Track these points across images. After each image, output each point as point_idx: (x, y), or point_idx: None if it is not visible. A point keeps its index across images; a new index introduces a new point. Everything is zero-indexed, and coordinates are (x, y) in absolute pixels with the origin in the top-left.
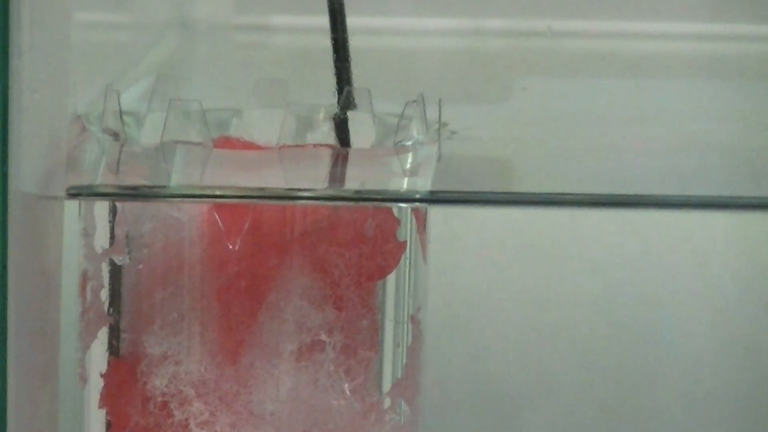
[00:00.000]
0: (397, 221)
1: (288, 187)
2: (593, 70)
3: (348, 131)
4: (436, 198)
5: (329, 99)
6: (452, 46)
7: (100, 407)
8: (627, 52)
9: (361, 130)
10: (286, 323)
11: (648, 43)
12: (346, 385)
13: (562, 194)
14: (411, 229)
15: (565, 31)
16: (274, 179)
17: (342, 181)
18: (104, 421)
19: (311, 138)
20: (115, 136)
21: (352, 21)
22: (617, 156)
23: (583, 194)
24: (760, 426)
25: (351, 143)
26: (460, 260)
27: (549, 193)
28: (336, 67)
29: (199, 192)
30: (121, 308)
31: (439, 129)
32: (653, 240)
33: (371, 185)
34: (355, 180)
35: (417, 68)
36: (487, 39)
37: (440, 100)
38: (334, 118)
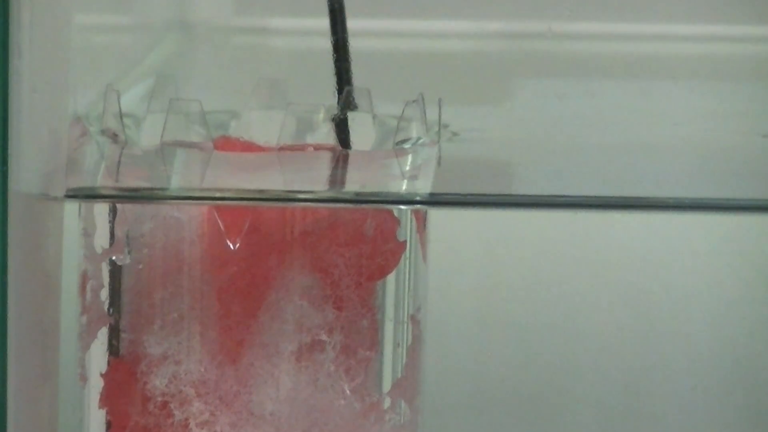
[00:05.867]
0: (397, 221)
1: (288, 189)
2: (594, 71)
3: (348, 132)
4: (436, 200)
5: (329, 99)
6: (453, 47)
7: (100, 407)
8: (627, 53)
9: (361, 130)
10: (286, 323)
11: (648, 45)
12: (346, 385)
13: (562, 196)
14: (411, 229)
15: (566, 33)
16: (275, 182)
17: (342, 183)
18: (104, 421)
19: (311, 138)
20: (115, 137)
21: (351, 22)
22: (617, 158)
23: (583, 196)
24: (759, 426)
25: (351, 144)
26: (460, 260)
27: (549, 195)
28: (336, 67)
29: (198, 194)
30: (121, 308)
31: (439, 131)
32: (653, 242)
33: (371, 187)
34: (355, 182)
35: (417, 69)
36: (488, 41)
37: (440, 100)
38: (333, 119)
